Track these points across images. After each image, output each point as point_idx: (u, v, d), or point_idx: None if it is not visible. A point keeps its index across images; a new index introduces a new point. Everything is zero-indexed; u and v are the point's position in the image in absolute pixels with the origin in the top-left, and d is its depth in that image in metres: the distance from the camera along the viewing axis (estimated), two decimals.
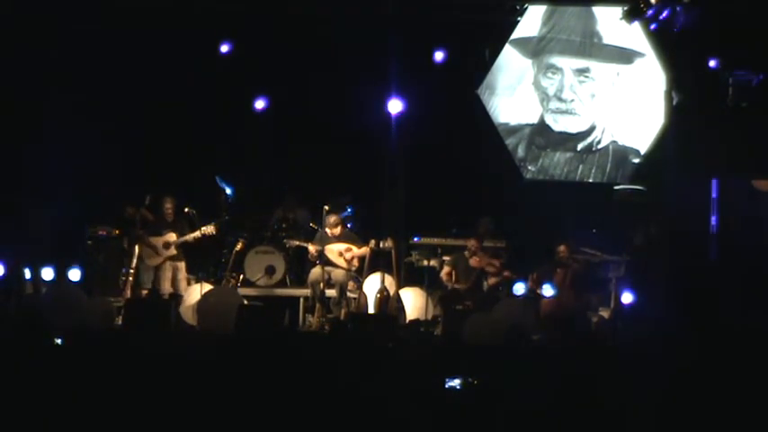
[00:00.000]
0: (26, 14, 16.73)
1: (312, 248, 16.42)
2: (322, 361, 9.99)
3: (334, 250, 16.29)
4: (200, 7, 17.29)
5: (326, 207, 16.71)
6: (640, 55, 17.69)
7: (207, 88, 17.42)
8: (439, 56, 17.97)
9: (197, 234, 16.31)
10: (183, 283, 16.33)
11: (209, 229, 16.32)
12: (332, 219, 16.40)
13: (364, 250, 16.30)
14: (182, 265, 16.43)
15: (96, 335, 11.50)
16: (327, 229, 16.38)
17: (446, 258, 16.49)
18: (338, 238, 16.36)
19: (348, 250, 16.32)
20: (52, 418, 8.48)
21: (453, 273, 16.29)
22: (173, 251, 16.30)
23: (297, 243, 16.82)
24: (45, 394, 8.67)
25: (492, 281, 16.29)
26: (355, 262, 16.36)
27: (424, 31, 17.55)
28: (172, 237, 16.29)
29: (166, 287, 16.23)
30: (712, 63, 16.26)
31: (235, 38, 17.79)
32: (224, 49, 17.82)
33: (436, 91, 17.64)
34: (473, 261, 16.20)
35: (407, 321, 15.91)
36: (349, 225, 16.94)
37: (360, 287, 16.18)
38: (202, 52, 17.59)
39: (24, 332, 10.39)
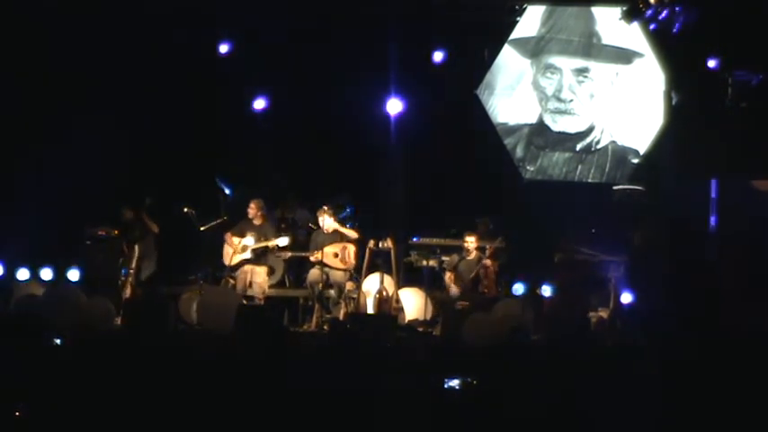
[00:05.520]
0: (23, 14, 16.76)
1: (313, 258, 16.36)
2: (320, 360, 9.98)
3: (329, 254, 16.26)
4: (201, 6, 17.29)
5: (325, 207, 16.70)
6: (639, 55, 17.68)
7: (206, 88, 17.42)
8: (438, 56, 17.97)
9: (270, 243, 16.29)
10: (257, 288, 16.24)
11: (283, 242, 16.30)
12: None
13: (353, 235, 16.25)
14: (261, 269, 16.36)
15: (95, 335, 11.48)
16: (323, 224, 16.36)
17: (445, 259, 16.47)
18: (332, 236, 16.32)
19: (343, 249, 16.31)
20: (51, 419, 8.46)
21: (454, 276, 16.24)
22: (248, 255, 16.29)
23: (290, 255, 16.80)
24: (44, 394, 8.67)
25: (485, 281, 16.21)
26: (352, 259, 16.32)
27: (423, 31, 17.57)
28: (250, 240, 16.29)
29: (239, 289, 16.17)
30: (712, 63, 16.27)
31: (234, 38, 17.80)
32: (223, 48, 17.84)
33: (435, 91, 17.66)
34: (487, 262, 16.06)
35: (407, 321, 15.92)
36: (348, 225, 16.94)
37: (358, 286, 16.18)
38: (202, 52, 17.61)
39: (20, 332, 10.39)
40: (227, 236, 16.43)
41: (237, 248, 16.31)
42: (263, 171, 17.79)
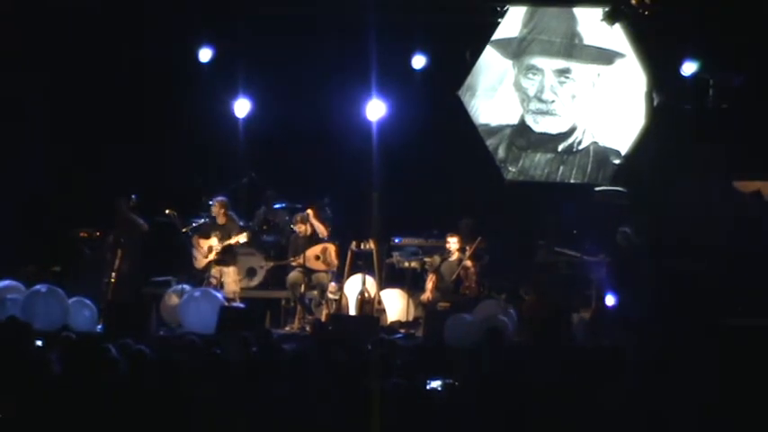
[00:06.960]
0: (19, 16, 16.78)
1: (295, 264, 16.32)
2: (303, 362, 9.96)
3: (311, 257, 16.22)
4: (183, 12, 17.30)
5: (309, 211, 16.60)
6: (621, 56, 17.73)
7: (190, 91, 17.44)
8: (420, 58, 17.98)
9: (231, 241, 16.22)
10: (230, 287, 16.19)
11: (241, 238, 16.23)
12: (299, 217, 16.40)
13: (323, 230, 16.21)
14: (229, 269, 16.30)
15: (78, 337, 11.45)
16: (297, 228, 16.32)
17: (427, 260, 16.44)
18: (310, 238, 16.28)
19: (324, 250, 16.27)
20: (35, 421, 8.45)
21: (436, 277, 16.17)
22: (214, 256, 16.25)
23: (272, 263, 16.81)
24: (27, 396, 8.65)
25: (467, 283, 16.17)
26: (334, 258, 16.28)
27: (404, 33, 17.57)
28: (214, 241, 16.25)
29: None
30: (693, 64, 16.34)
31: (217, 42, 17.80)
32: (206, 53, 17.83)
33: (417, 92, 17.68)
34: (467, 263, 16.01)
35: (389, 323, 15.91)
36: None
37: (341, 288, 16.16)
38: (185, 56, 17.63)
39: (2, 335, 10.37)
40: (195, 239, 16.38)
41: (204, 251, 16.27)
42: (244, 174, 17.78)
